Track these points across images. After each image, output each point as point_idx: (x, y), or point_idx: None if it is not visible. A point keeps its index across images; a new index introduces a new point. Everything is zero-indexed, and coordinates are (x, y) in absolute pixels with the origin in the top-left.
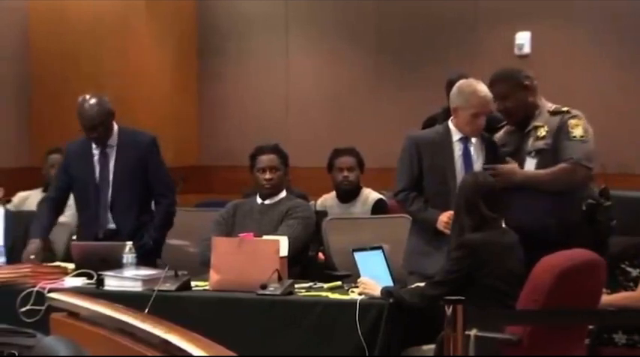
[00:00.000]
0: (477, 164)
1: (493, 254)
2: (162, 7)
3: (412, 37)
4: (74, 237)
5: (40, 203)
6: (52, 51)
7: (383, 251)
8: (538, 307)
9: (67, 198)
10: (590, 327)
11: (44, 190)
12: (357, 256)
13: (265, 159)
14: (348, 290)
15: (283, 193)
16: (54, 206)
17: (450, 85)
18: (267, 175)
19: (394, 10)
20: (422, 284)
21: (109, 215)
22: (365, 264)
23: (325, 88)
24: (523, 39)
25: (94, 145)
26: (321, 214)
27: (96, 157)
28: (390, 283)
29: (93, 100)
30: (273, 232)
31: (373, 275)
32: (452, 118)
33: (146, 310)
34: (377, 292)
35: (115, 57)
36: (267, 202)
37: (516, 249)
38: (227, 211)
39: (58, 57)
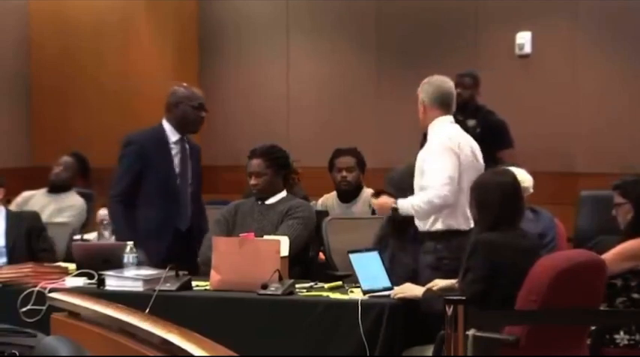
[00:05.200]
0: None
1: (509, 256)
2: (162, 7)
3: (413, 37)
4: (76, 237)
5: (115, 209)
6: (53, 51)
7: (379, 252)
8: (536, 307)
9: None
10: (593, 327)
11: (49, 191)
12: (353, 257)
13: (252, 164)
14: (348, 290)
15: (283, 193)
16: (128, 206)
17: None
18: (253, 181)
19: (395, 9)
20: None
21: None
22: (361, 265)
23: (326, 87)
24: (524, 39)
25: (171, 138)
26: (322, 214)
27: (175, 150)
28: (388, 284)
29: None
30: (274, 232)
31: (370, 276)
32: None
33: (147, 310)
34: (419, 293)
35: (116, 57)
36: (267, 202)
37: (535, 253)
38: (228, 210)
39: (58, 57)
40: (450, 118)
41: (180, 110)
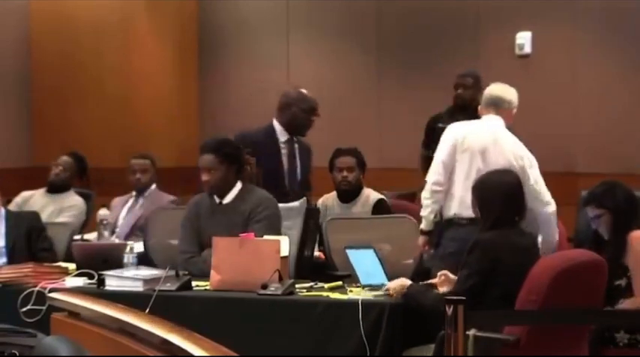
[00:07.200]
0: None
1: (507, 254)
2: (162, 7)
3: (413, 37)
4: (76, 237)
5: None
6: (53, 51)
7: (374, 250)
8: (536, 307)
9: None
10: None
11: (48, 191)
12: (350, 253)
13: (203, 159)
14: (348, 290)
15: (237, 186)
16: None
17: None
18: (204, 177)
19: (395, 9)
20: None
21: None
22: (358, 261)
23: (326, 87)
24: (524, 39)
25: (281, 138)
26: (314, 212)
27: (284, 150)
28: (385, 280)
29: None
30: (242, 230)
31: (368, 272)
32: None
33: (147, 310)
34: (406, 283)
35: (116, 57)
36: (224, 201)
37: (534, 252)
38: (190, 212)
39: (59, 57)
40: (488, 116)
41: (290, 112)
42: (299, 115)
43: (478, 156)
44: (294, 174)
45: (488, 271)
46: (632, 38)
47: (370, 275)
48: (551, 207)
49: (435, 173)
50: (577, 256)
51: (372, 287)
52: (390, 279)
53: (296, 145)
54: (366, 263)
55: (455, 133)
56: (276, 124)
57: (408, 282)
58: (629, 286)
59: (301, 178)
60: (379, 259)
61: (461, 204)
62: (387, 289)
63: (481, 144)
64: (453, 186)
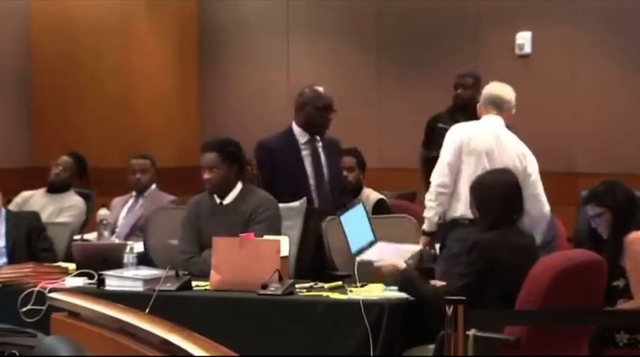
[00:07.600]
0: None
1: (506, 254)
2: (162, 7)
3: (413, 37)
4: (76, 237)
5: None
6: (53, 51)
7: (363, 205)
8: (536, 308)
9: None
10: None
11: (48, 191)
12: (343, 218)
13: (205, 158)
14: (348, 290)
15: (238, 187)
16: None
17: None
18: (206, 175)
19: (395, 9)
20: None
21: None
22: (350, 225)
23: (326, 87)
24: (524, 39)
25: (300, 140)
26: (313, 212)
27: (305, 151)
28: (372, 237)
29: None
30: (242, 230)
31: (357, 234)
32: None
33: (147, 310)
34: (398, 264)
35: (116, 57)
36: (225, 202)
37: (533, 252)
38: (190, 212)
39: (59, 57)
40: (489, 116)
41: (304, 112)
42: (314, 114)
43: (484, 157)
44: (320, 174)
45: (486, 271)
46: (632, 38)
47: (359, 237)
48: (547, 207)
49: (440, 175)
50: (577, 256)
51: (363, 252)
52: (375, 234)
53: (319, 144)
54: (356, 225)
55: (460, 134)
56: (294, 126)
57: (403, 264)
58: (627, 287)
59: (332, 181)
60: (367, 215)
61: (467, 205)
62: (379, 267)
63: (486, 145)
64: (459, 187)
